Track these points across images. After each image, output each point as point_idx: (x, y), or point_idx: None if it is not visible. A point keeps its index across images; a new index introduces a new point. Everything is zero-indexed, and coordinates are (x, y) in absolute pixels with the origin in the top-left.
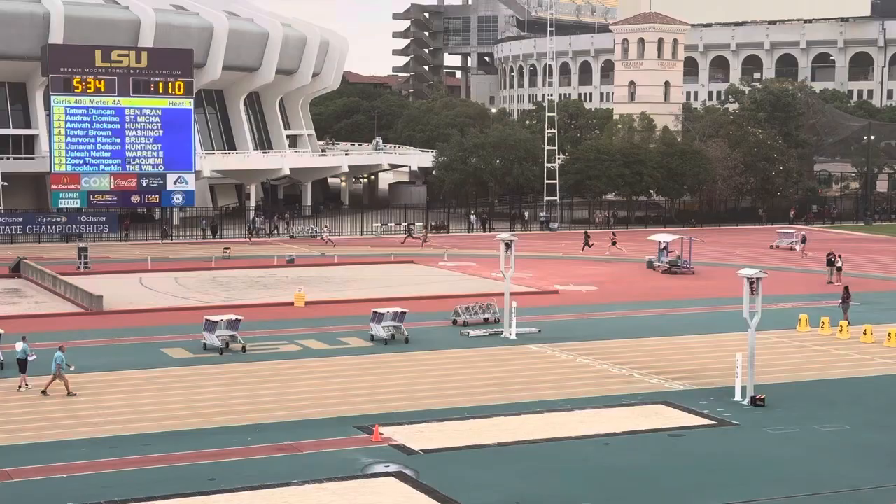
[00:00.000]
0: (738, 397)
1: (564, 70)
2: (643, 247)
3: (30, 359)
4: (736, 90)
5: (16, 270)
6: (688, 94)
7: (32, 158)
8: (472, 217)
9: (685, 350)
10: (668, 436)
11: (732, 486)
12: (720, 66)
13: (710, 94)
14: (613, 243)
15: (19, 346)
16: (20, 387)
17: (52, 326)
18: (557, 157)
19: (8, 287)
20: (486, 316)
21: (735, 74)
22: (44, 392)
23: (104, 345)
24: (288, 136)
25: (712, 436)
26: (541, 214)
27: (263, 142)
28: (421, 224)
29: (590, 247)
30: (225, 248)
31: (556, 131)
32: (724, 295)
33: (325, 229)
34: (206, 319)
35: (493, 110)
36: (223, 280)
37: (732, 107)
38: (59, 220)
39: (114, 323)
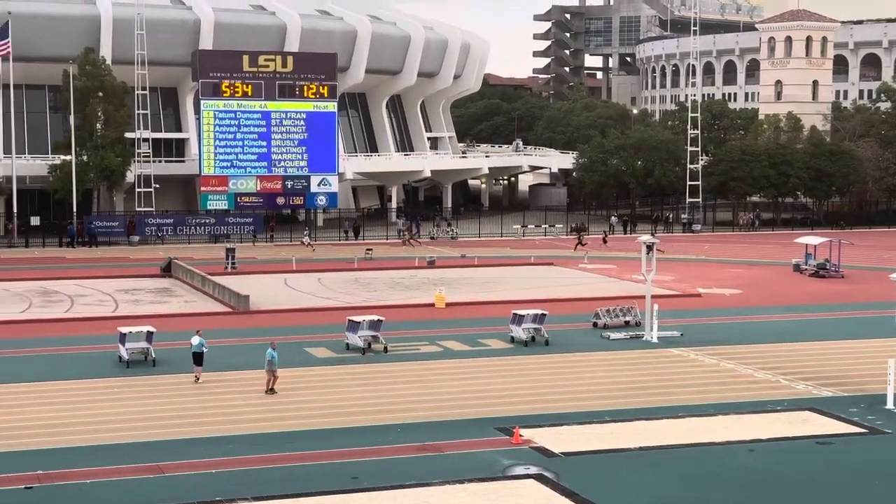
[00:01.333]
0: (890, 405)
1: (708, 70)
2: (789, 250)
3: (204, 350)
4: (888, 88)
5: (167, 270)
6: (837, 92)
7: (183, 161)
8: (613, 219)
9: (834, 355)
10: (815, 443)
11: (884, 498)
12: (871, 64)
13: (861, 92)
14: (604, 241)
15: (195, 339)
16: (197, 378)
17: (201, 325)
18: (700, 158)
19: (159, 287)
20: (627, 319)
21: (888, 72)
22: (271, 390)
23: (250, 344)
24: (429, 139)
25: (862, 444)
26: (683, 216)
27: (405, 144)
28: (404, 221)
29: (583, 245)
30: (367, 250)
31: (699, 132)
32: (875, 299)
33: (305, 234)
34: (349, 320)
35: (635, 111)
36: (365, 281)
37: (884, 106)
38: (207, 221)
39: (259, 322)
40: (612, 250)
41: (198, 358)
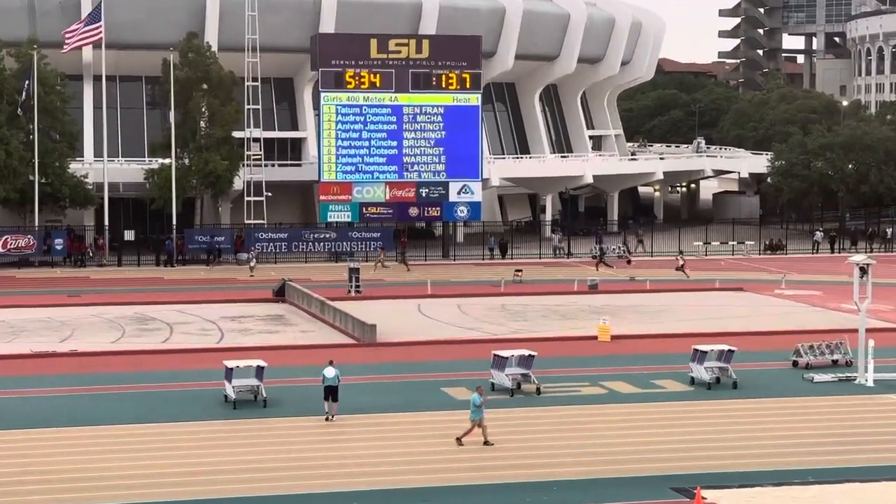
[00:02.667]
0: None
1: None
2: None
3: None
4: None
5: (280, 294)
6: None
7: (299, 165)
8: (818, 234)
9: None
10: None
11: None
12: None
13: None
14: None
15: (330, 371)
16: (328, 417)
17: (319, 359)
18: None
19: (272, 313)
20: (836, 357)
21: None
22: (459, 441)
23: (377, 381)
24: (591, 137)
25: None
26: None
27: (562, 144)
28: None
29: (607, 265)
30: (517, 271)
31: None
32: None
33: (252, 250)
34: (495, 355)
35: (845, 103)
36: (514, 308)
37: None
38: (327, 236)
39: (388, 356)
40: (822, 272)
41: (332, 392)
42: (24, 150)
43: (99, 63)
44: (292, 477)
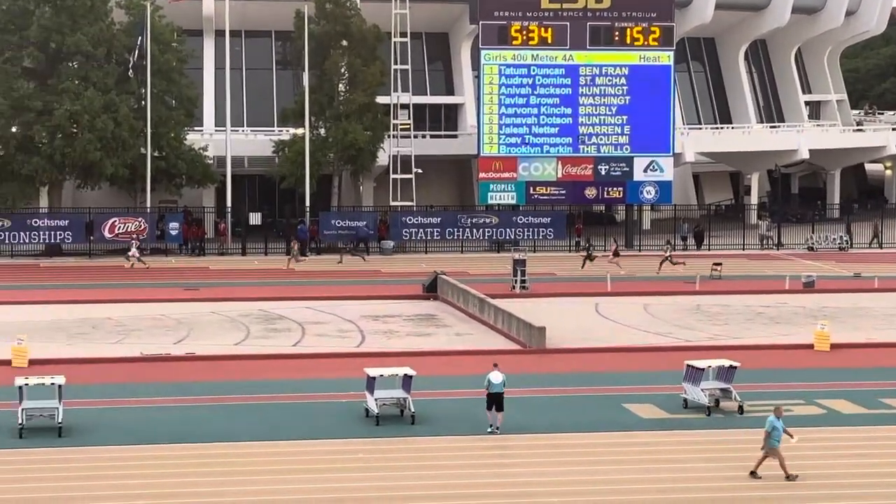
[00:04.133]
0: None
1: None
2: None
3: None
4: None
5: (432, 289)
6: None
7: (455, 137)
8: None
9: None
10: None
11: None
12: None
13: None
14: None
15: (497, 376)
16: (492, 430)
17: (477, 367)
18: None
19: (422, 312)
20: None
21: None
22: (753, 473)
23: (546, 395)
24: (807, 104)
25: None
26: None
27: (771, 112)
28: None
29: (591, 261)
30: (715, 265)
31: None
32: None
33: (134, 242)
34: (688, 365)
35: None
36: (711, 310)
37: None
38: (488, 220)
39: (559, 365)
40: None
41: (496, 401)
42: (135, 118)
43: (222, 16)
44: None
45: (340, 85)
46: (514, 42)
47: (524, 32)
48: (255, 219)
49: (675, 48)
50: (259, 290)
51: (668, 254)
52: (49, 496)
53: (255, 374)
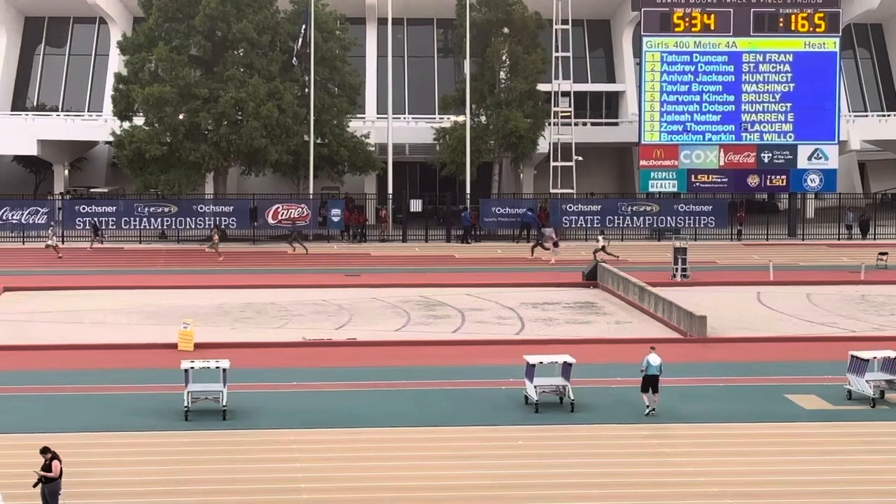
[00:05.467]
0: None
1: None
2: None
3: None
4: None
5: (591, 277)
6: None
7: (616, 124)
8: None
9: None
10: None
11: None
12: None
13: None
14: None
15: (655, 359)
16: (649, 411)
17: (636, 355)
18: None
19: (581, 300)
20: None
21: None
22: None
23: (706, 384)
24: None
25: None
26: None
27: None
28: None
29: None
30: (881, 255)
31: None
32: None
33: (52, 230)
34: (852, 356)
35: None
36: (876, 300)
37: None
38: (648, 208)
39: (720, 355)
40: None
41: (652, 383)
42: (299, 105)
43: (384, 4)
44: (616, 497)
45: (501, 73)
46: (677, 29)
47: (687, 19)
48: (415, 206)
49: (840, 35)
50: (420, 277)
51: (601, 244)
52: (213, 478)
53: (415, 361)
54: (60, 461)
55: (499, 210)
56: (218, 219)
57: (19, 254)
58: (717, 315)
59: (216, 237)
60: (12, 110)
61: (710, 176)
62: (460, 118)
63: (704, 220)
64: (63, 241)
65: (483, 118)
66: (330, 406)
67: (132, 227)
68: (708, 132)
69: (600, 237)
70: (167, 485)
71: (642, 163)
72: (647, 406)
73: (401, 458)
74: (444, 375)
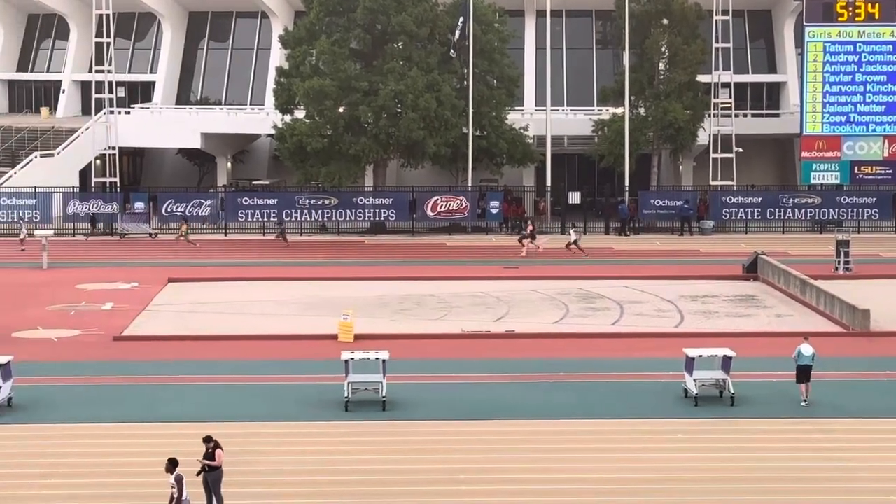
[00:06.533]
0: None
1: None
2: None
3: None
4: None
5: (752, 269)
6: None
7: (777, 115)
8: None
9: None
10: None
11: None
12: None
13: None
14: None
15: (807, 349)
16: (804, 401)
17: (794, 350)
18: None
19: (741, 293)
20: None
21: None
22: None
23: (870, 379)
24: None
25: None
26: None
27: None
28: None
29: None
30: None
31: None
32: None
33: (21, 222)
34: None
35: None
36: None
37: None
38: (809, 200)
39: (885, 349)
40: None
41: (805, 373)
42: (457, 97)
43: None
44: (778, 491)
45: (660, 64)
46: (840, 18)
47: (850, 9)
48: (574, 197)
49: None
50: (578, 269)
51: (574, 238)
52: (373, 468)
53: (574, 353)
54: (223, 450)
55: (657, 202)
56: (378, 211)
57: (183, 245)
58: (881, 309)
59: (184, 227)
60: (177, 104)
61: (874, 167)
62: (619, 110)
63: (868, 212)
64: (225, 233)
65: (642, 110)
66: (488, 398)
67: (293, 219)
68: (871, 123)
69: (572, 231)
70: (327, 475)
71: (804, 154)
72: (802, 396)
73: (559, 451)
74: (603, 368)
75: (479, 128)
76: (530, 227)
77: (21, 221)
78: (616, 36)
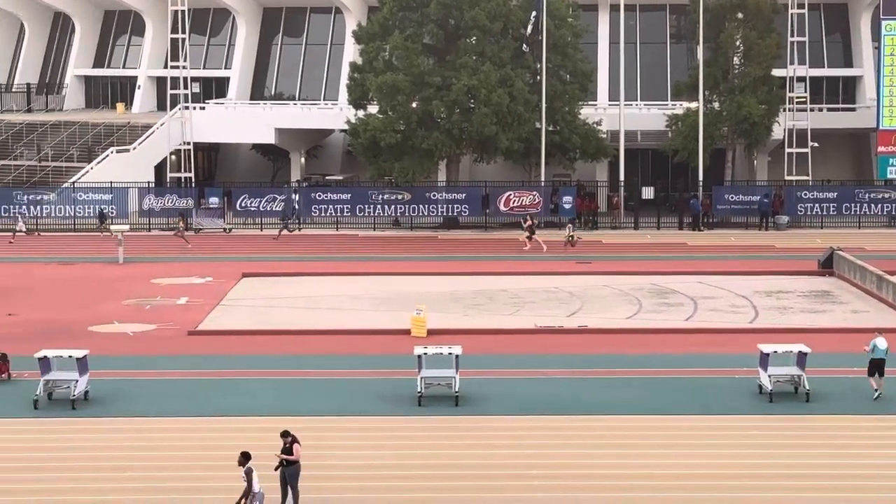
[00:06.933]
0: None
1: None
2: None
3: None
4: None
5: (827, 265)
6: None
7: (853, 110)
8: None
9: None
10: None
11: None
12: None
13: None
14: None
15: (882, 342)
16: (877, 395)
17: (852, 346)
18: None
19: (816, 289)
20: None
21: None
22: None
23: None
24: None
25: None
26: None
27: None
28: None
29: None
30: None
31: None
32: None
33: (20, 216)
34: None
35: None
36: None
37: None
38: (886, 195)
39: None
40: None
41: (878, 367)
42: (530, 92)
43: None
44: (855, 489)
45: (735, 58)
46: None
47: None
48: (647, 193)
49: None
50: (651, 264)
51: (569, 233)
52: (445, 463)
53: (647, 348)
54: (301, 445)
55: (732, 197)
56: (450, 206)
57: (257, 240)
58: None
59: (182, 223)
60: (251, 100)
61: None
62: (693, 104)
63: None
64: (299, 228)
65: (716, 104)
66: (561, 393)
67: (366, 214)
68: None
69: (569, 226)
70: (401, 469)
71: (880, 149)
72: (875, 390)
73: (632, 447)
74: (677, 363)
75: (552, 123)
76: (528, 223)
77: (18, 215)
78: (690, 30)
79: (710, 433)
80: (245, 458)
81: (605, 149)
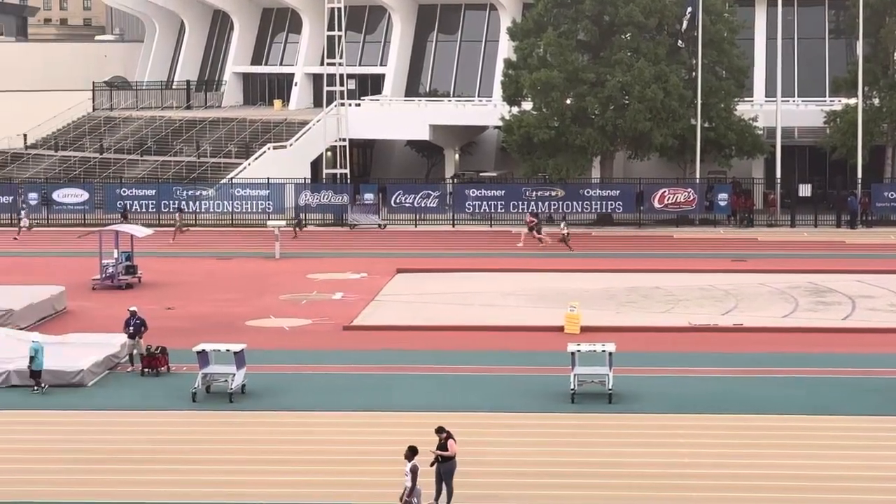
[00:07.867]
0: None
1: None
2: None
3: None
4: None
5: None
6: None
7: None
8: None
9: None
10: None
11: None
12: None
13: None
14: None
15: None
16: None
17: None
18: None
19: None
20: None
21: None
22: None
23: None
24: None
25: None
26: None
27: None
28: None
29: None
30: None
31: None
32: None
33: (23, 212)
34: None
35: None
36: None
37: None
38: None
39: None
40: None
41: None
42: (685, 88)
43: None
44: None
45: (895, 54)
46: None
47: None
48: (804, 190)
49: None
50: (808, 262)
51: (564, 231)
52: (599, 461)
53: (803, 347)
54: (456, 441)
55: (891, 195)
56: (604, 203)
57: (412, 236)
58: None
59: (180, 218)
60: (406, 96)
61: None
62: (852, 101)
63: None
64: (453, 224)
65: (876, 100)
66: (715, 391)
67: (520, 210)
68: None
69: (563, 223)
70: (554, 466)
71: None
72: None
73: (789, 447)
74: (834, 363)
75: (707, 119)
76: (530, 220)
77: (22, 211)
78: (849, 25)
79: (868, 434)
80: (412, 452)
81: (761, 145)
